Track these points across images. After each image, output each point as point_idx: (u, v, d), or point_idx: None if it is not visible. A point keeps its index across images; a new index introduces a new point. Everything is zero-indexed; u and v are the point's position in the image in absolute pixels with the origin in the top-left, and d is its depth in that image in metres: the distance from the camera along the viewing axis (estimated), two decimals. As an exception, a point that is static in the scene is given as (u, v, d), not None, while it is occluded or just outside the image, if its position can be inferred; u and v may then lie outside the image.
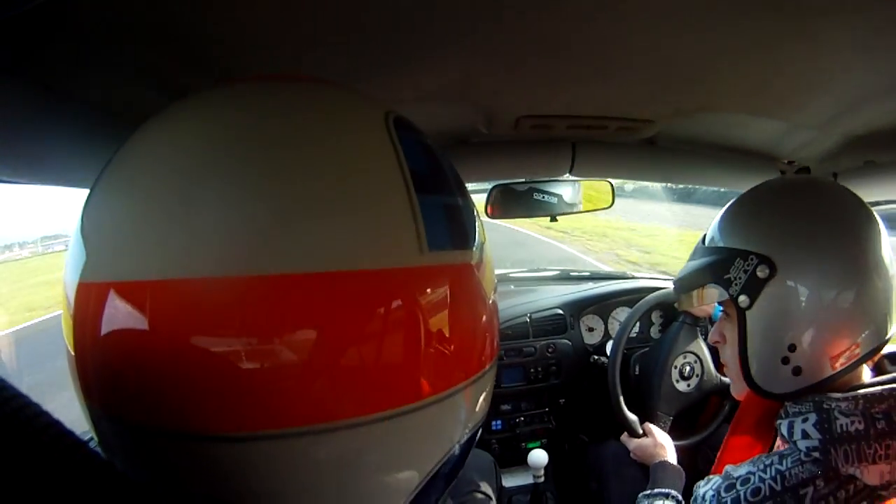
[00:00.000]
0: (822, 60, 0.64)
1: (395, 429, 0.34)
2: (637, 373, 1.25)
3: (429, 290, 0.36)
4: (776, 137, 0.99)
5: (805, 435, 0.55)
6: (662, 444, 1.02)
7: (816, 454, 0.54)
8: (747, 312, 0.60)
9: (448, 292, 0.37)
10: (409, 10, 0.52)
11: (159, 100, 0.56)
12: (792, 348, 0.58)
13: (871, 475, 0.51)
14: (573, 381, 1.38)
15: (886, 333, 0.57)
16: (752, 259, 0.59)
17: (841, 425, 0.53)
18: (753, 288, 0.59)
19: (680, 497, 0.86)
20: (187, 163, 0.34)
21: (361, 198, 0.35)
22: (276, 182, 0.33)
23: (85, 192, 0.38)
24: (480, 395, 0.41)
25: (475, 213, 0.43)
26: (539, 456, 1.03)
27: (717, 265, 0.63)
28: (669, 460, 0.98)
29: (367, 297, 0.33)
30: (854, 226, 0.58)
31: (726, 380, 1.19)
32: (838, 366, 0.57)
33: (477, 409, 0.41)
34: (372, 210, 0.35)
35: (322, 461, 0.33)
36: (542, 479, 1.06)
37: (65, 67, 0.49)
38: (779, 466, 0.55)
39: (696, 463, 1.18)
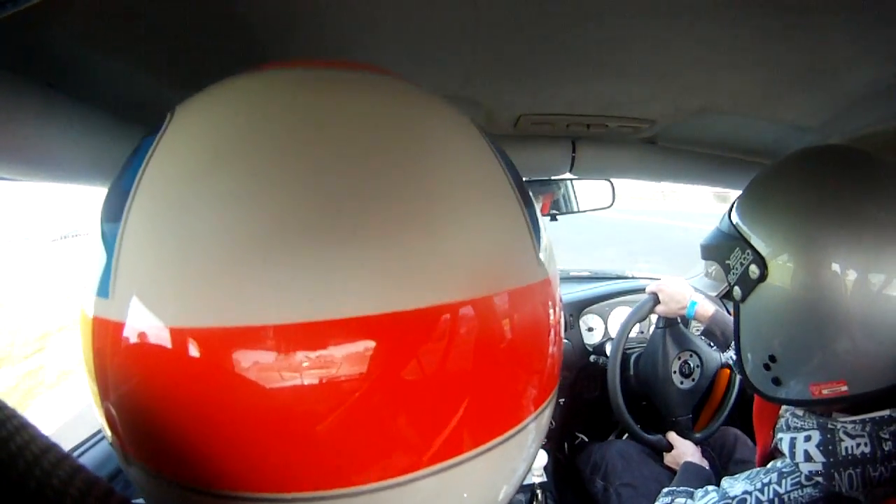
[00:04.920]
0: (824, 61, 0.63)
1: (508, 449, 0.32)
2: (635, 374, 1.25)
3: (545, 303, 0.35)
4: (778, 138, 0.99)
5: (808, 457, 0.52)
6: (684, 451, 1.10)
7: (819, 479, 0.51)
8: (741, 305, 0.57)
9: (553, 302, 0.36)
10: (408, 9, 0.51)
11: (159, 99, 0.56)
12: (772, 358, 0.54)
13: (872, 497, 0.49)
14: (573, 380, 1.38)
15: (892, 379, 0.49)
16: (748, 254, 0.55)
17: (846, 447, 0.50)
18: (746, 284, 0.56)
19: None
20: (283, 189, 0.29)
21: (494, 216, 0.33)
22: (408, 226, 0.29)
23: (83, 189, 0.37)
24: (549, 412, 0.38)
25: None
26: (539, 455, 1.03)
27: (722, 245, 0.59)
28: (693, 461, 1.06)
29: (505, 316, 0.31)
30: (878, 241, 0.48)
31: (726, 355, 1.20)
32: (821, 395, 0.51)
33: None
34: (503, 227, 0.33)
35: None
36: (542, 479, 1.06)
37: (66, 65, 0.49)
38: (777, 487, 0.53)
39: None
